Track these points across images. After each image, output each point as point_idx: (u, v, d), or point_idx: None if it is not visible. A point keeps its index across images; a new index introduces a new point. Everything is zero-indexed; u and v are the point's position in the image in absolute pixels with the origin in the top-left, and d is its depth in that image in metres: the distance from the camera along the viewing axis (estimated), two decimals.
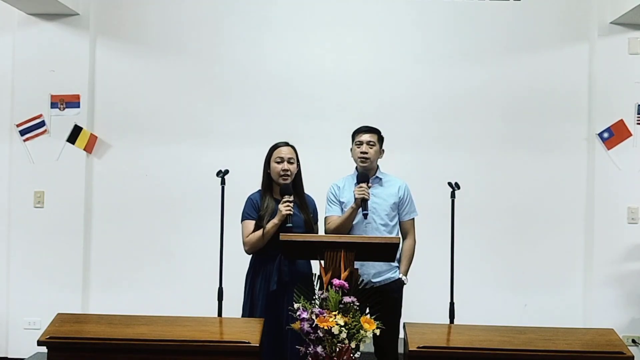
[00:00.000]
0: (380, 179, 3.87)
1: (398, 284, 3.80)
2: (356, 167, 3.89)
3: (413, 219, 3.91)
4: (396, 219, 3.85)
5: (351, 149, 3.89)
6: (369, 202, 3.67)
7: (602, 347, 3.14)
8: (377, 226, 3.76)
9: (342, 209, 3.81)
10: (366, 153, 3.77)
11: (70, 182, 4.99)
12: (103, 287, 5.02)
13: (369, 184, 3.70)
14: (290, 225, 3.49)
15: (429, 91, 5.03)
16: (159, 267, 5.02)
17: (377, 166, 3.88)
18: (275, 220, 3.53)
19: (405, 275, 3.82)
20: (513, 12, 5.01)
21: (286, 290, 3.48)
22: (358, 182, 3.72)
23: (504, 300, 4.93)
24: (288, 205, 3.51)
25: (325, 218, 3.83)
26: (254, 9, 5.06)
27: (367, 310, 3.15)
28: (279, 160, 3.62)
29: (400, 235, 3.85)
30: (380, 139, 3.86)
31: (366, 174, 3.75)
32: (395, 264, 3.79)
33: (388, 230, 3.79)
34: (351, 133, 3.90)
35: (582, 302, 4.96)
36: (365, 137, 3.79)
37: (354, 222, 3.74)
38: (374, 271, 3.73)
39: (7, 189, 5.03)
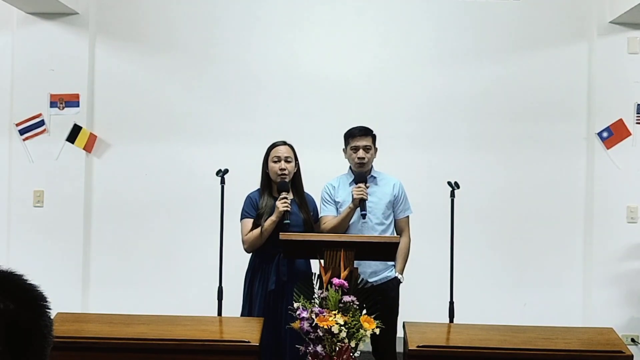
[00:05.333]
0: (375, 177, 3.86)
1: (395, 283, 3.80)
2: (350, 167, 3.89)
3: (408, 216, 3.91)
4: (391, 217, 3.85)
5: (344, 149, 3.87)
6: (366, 202, 3.67)
7: (601, 346, 3.15)
8: (373, 225, 3.75)
9: (337, 209, 3.80)
10: (363, 158, 3.75)
11: (70, 181, 4.98)
12: (103, 286, 5.02)
13: (367, 184, 3.70)
14: (287, 222, 3.49)
15: (429, 91, 5.02)
16: (159, 266, 5.02)
17: (372, 165, 3.88)
18: (273, 218, 3.53)
19: (401, 273, 3.82)
20: (512, 11, 5.00)
21: (285, 290, 3.48)
22: (356, 182, 3.70)
23: (504, 299, 4.93)
24: (285, 202, 3.51)
25: (321, 218, 3.81)
26: (254, 9, 5.05)
27: (365, 310, 3.15)
28: (276, 159, 3.62)
29: (395, 234, 3.85)
30: (374, 140, 3.84)
31: (364, 174, 3.74)
32: (392, 262, 3.79)
33: (384, 229, 3.79)
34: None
35: (582, 301, 4.96)
36: (361, 142, 3.76)
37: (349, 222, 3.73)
38: (370, 270, 3.72)
39: (7, 188, 5.02)
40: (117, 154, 5.07)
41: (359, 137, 3.78)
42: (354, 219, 3.71)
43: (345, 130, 3.89)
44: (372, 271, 3.74)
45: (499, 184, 5.01)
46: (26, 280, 1.13)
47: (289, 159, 3.63)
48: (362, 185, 3.65)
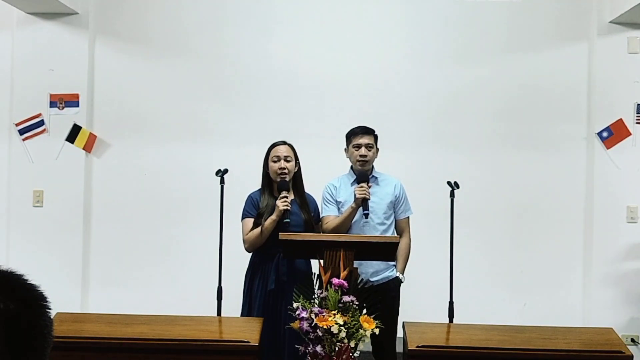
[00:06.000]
0: (376, 177, 3.87)
1: (396, 283, 3.81)
2: (351, 167, 3.89)
3: (408, 217, 3.92)
4: (392, 218, 3.85)
5: (345, 149, 3.88)
6: (368, 201, 3.67)
7: (601, 346, 3.15)
8: (375, 225, 3.76)
9: (338, 209, 3.81)
10: (365, 156, 3.76)
11: (70, 181, 4.98)
12: (102, 286, 5.02)
13: (369, 184, 3.70)
14: (287, 220, 3.50)
15: (428, 90, 5.02)
16: (159, 266, 5.01)
17: (372, 165, 3.89)
18: (273, 217, 3.54)
19: (402, 273, 3.83)
20: (512, 11, 5.00)
21: (284, 290, 3.49)
22: (358, 182, 3.71)
23: (503, 299, 4.93)
24: (285, 201, 3.52)
25: (322, 218, 3.82)
26: (253, 9, 5.05)
27: (365, 310, 3.15)
28: (275, 159, 3.64)
29: (396, 234, 3.86)
30: (376, 140, 3.86)
31: (366, 174, 3.75)
32: (393, 262, 3.79)
33: (385, 229, 3.80)
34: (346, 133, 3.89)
35: (581, 301, 4.96)
36: (364, 140, 3.78)
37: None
38: (371, 270, 3.73)
39: (6, 188, 5.02)
40: (116, 154, 5.07)
41: (361, 135, 3.79)
42: (355, 218, 3.72)
43: (346, 131, 3.90)
44: (374, 271, 3.74)
45: (499, 184, 5.01)
46: (26, 280, 1.13)
47: (288, 158, 3.64)
48: (364, 185, 3.66)
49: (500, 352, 3.05)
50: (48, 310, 1.12)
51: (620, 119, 4.88)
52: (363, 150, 3.76)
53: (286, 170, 3.62)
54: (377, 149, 3.88)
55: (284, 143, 3.70)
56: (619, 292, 4.87)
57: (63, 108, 4.96)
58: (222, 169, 3.98)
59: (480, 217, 4.96)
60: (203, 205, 4.75)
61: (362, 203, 3.64)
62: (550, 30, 5.00)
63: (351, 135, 3.83)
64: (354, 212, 3.68)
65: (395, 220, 3.87)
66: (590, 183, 4.94)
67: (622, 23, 4.83)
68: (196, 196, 4.94)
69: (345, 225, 3.70)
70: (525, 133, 5.00)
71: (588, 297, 4.93)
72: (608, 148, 4.88)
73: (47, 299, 1.13)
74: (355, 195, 3.66)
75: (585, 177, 4.98)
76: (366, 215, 3.66)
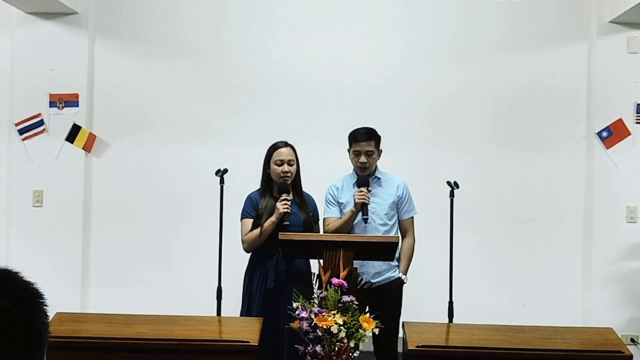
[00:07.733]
0: (379, 178, 3.85)
1: (398, 283, 3.80)
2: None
3: (412, 217, 3.90)
4: (395, 218, 3.84)
5: (348, 150, 3.86)
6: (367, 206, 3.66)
7: (600, 346, 3.15)
8: (376, 226, 3.75)
9: (340, 210, 3.80)
10: (365, 163, 3.74)
11: (69, 181, 4.98)
12: (102, 286, 5.01)
13: (369, 188, 3.69)
14: (287, 223, 3.50)
15: (428, 90, 5.02)
16: (158, 266, 5.01)
17: (376, 166, 3.87)
18: (272, 219, 3.53)
19: (405, 274, 3.82)
20: (512, 10, 5.00)
21: (283, 289, 3.48)
22: (358, 186, 3.69)
23: (503, 299, 4.93)
24: (285, 204, 3.51)
25: (324, 219, 3.82)
26: (253, 9, 5.05)
27: (367, 310, 3.15)
28: (279, 162, 3.61)
29: (399, 234, 3.85)
30: (378, 143, 3.81)
31: (366, 178, 3.72)
32: (395, 263, 3.78)
33: (387, 230, 3.78)
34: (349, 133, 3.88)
35: (581, 301, 4.96)
36: (363, 146, 3.73)
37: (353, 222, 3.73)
38: (373, 271, 3.72)
39: (6, 188, 5.01)
40: (116, 154, 5.07)
41: (361, 142, 3.74)
42: (357, 219, 3.70)
43: (347, 130, 3.87)
44: (376, 272, 3.74)
45: (499, 184, 5.01)
46: (21, 277, 1.13)
47: (291, 162, 3.63)
48: (364, 189, 3.63)
49: (500, 352, 3.05)
50: (44, 307, 1.12)
51: (620, 119, 4.88)
52: (363, 158, 3.74)
53: (289, 174, 3.61)
54: (380, 151, 3.84)
55: (286, 144, 3.67)
56: (618, 292, 4.87)
57: (63, 108, 4.96)
58: (222, 169, 3.98)
59: (480, 217, 4.95)
60: (203, 205, 4.75)
61: (362, 208, 3.62)
62: (550, 30, 5.00)
63: (352, 139, 3.79)
64: (354, 215, 3.67)
65: (399, 221, 3.86)
66: (590, 183, 4.94)
67: (622, 23, 4.83)
68: (196, 196, 4.94)
69: (345, 228, 3.69)
70: (525, 133, 5.00)
71: (588, 297, 4.93)
72: (608, 148, 4.88)
73: (43, 296, 1.13)
74: (354, 199, 3.65)
75: (585, 177, 4.98)
76: (365, 220, 3.64)
